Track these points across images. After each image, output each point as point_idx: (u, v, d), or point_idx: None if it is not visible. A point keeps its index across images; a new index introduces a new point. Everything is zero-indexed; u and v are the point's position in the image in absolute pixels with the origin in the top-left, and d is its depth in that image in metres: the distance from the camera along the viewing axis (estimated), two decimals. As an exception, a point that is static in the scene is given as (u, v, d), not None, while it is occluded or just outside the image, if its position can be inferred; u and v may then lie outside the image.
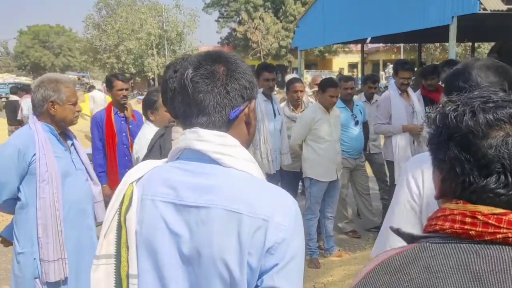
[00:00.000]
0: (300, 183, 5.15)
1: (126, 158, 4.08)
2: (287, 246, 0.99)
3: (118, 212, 1.13)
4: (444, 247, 0.79)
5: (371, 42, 18.44)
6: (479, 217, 0.78)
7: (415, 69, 10.44)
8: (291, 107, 4.95)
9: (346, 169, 4.99)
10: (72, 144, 2.63)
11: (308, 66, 31.00)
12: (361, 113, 5.09)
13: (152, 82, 35.94)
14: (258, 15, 33.87)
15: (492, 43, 16.47)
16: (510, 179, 0.77)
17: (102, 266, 1.15)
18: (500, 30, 13.23)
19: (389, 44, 28.76)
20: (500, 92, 0.86)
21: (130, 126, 4.18)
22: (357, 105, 5.10)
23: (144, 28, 35.21)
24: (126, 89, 4.21)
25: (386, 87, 5.94)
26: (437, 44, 30.98)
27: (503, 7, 9.22)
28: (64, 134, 2.59)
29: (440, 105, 0.88)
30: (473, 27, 12.88)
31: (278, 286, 0.98)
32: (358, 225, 5.55)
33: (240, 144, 1.10)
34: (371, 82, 5.80)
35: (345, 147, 4.87)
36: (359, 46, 21.82)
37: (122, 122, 4.14)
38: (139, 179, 1.14)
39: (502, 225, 0.76)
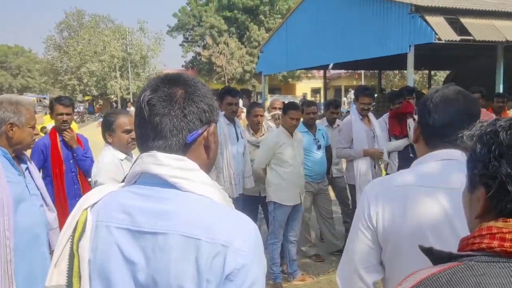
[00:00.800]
0: (260, 207, 5.13)
1: (75, 186, 3.89)
2: (247, 272, 0.96)
3: (70, 240, 1.08)
4: (493, 266, 0.78)
5: (333, 68, 18.96)
6: None
7: (375, 95, 10.76)
8: (251, 131, 4.98)
9: (309, 193, 5.01)
10: (27, 168, 2.52)
11: (272, 91, 31.41)
12: (323, 137, 5.16)
13: (114, 105, 35.37)
14: (222, 39, 34.22)
15: (447, 72, 17.25)
16: None
17: None
18: (454, 59, 13.90)
19: (351, 70, 29.64)
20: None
21: (75, 153, 3.97)
22: (319, 129, 5.17)
23: (107, 50, 34.83)
24: (68, 114, 3.97)
25: (348, 112, 6.10)
26: (396, 71, 32.18)
27: (457, 37, 9.71)
28: (18, 158, 2.48)
29: (488, 123, 0.88)
30: (430, 56, 13.48)
31: None
32: (321, 249, 5.55)
33: (199, 167, 1.07)
34: (333, 107, 5.91)
35: (308, 171, 4.90)
36: (321, 72, 22.36)
37: (68, 148, 3.95)
38: (94, 204, 1.09)
39: None
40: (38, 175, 2.60)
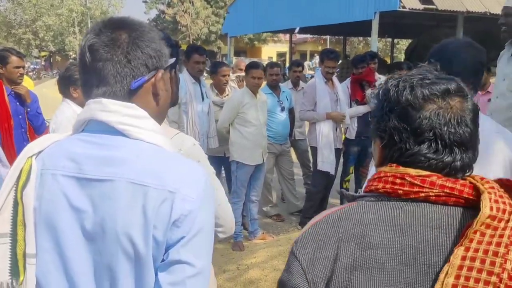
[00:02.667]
0: (222, 168, 5.15)
1: (25, 143, 3.65)
2: (194, 219, 0.96)
3: (14, 188, 1.04)
4: (376, 204, 0.93)
5: (299, 32, 18.86)
6: (407, 178, 0.90)
7: (340, 61, 10.85)
8: (216, 92, 4.92)
9: (272, 154, 5.09)
10: None
11: (237, 53, 31.01)
12: (287, 99, 5.20)
13: (68, 63, 34.01)
14: (188, -2, 33.22)
15: (410, 40, 17.54)
16: (439, 146, 0.90)
17: None
18: (416, 28, 14.12)
19: (316, 35, 29.61)
20: (435, 71, 0.98)
21: (29, 109, 3.82)
22: (283, 91, 5.21)
23: (65, 3, 33.12)
24: (23, 67, 3.85)
25: (312, 77, 6.16)
26: (361, 38, 32.41)
27: (420, 6, 9.83)
28: None
29: (383, 82, 0.99)
30: (393, 24, 13.62)
31: (184, 259, 0.95)
32: (282, 209, 5.70)
33: (149, 115, 1.05)
34: (295, 66, 5.94)
35: (271, 133, 4.96)
36: (288, 36, 22.22)
37: (17, 103, 3.77)
38: (39, 153, 1.06)
39: (425, 185, 0.88)
40: None
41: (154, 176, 0.96)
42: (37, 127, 3.91)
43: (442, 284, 0.82)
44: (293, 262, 0.95)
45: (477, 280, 0.80)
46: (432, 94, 0.91)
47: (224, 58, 27.97)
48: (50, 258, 1.01)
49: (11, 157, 3.52)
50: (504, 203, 0.85)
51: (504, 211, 0.84)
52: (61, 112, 2.93)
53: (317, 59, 25.59)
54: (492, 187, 0.87)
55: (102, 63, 1.01)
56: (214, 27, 33.51)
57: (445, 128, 0.90)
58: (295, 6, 13.25)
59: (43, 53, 36.28)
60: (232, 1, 17.72)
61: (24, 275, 1.03)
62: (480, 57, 1.68)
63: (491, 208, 0.83)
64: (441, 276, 0.82)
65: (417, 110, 0.91)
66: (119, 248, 0.96)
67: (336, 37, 29.02)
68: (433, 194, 0.88)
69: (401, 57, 29.41)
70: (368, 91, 5.18)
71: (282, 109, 5.08)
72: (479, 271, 0.80)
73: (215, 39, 34.48)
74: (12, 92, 3.74)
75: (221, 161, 4.85)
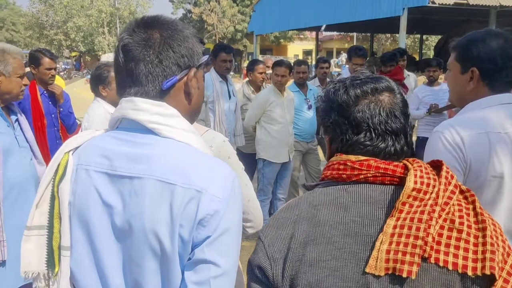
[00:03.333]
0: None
1: (58, 141, 3.82)
2: (220, 218, 0.96)
3: (52, 182, 1.08)
4: (325, 189, 1.07)
5: (325, 30, 18.71)
6: (348, 163, 1.04)
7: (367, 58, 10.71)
8: (252, 89, 4.91)
9: (299, 152, 5.08)
10: (17, 120, 2.46)
11: (263, 52, 31.03)
12: (314, 97, 5.17)
13: (99, 63, 34.66)
14: (214, -3, 33.40)
15: (439, 36, 17.16)
16: (373, 134, 1.04)
17: (33, 237, 1.10)
18: (446, 24, 13.82)
19: (343, 32, 29.31)
20: (367, 73, 1.14)
21: (61, 108, 3.89)
22: (310, 89, 5.18)
23: (95, 4, 33.83)
24: (55, 69, 3.90)
25: (338, 74, 6.11)
26: (388, 35, 31.90)
27: (451, 1, 9.61)
28: (7, 109, 2.43)
29: (329, 82, 1.17)
30: (422, 20, 13.37)
31: (209, 258, 0.95)
32: (309, 207, 5.66)
33: (181, 114, 1.05)
34: (321, 62, 5.85)
35: (298, 131, 4.94)
36: (314, 33, 22.08)
37: (50, 103, 3.83)
38: (76, 148, 1.10)
39: (363, 168, 1.02)
40: (28, 127, 2.54)
41: (181, 175, 0.97)
42: (69, 126, 4.01)
43: (378, 250, 0.93)
44: (258, 243, 1.07)
45: (406, 244, 0.91)
46: (362, 92, 1.06)
47: (250, 57, 28.01)
48: (83, 251, 1.05)
49: (44, 155, 3.60)
50: (429, 178, 0.98)
51: (428, 184, 0.96)
52: (93, 110, 2.99)
53: (343, 56, 25.33)
54: (420, 166, 1.00)
55: (134, 63, 1.02)
56: (240, 25, 33.59)
57: (376, 119, 1.04)
58: (321, 3, 13.15)
59: (73, 53, 37.13)
60: (258, -1, 17.69)
61: (59, 267, 1.07)
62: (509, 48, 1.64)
63: (415, 182, 0.96)
64: (377, 244, 0.94)
65: (351, 106, 1.06)
66: (146, 245, 0.97)
67: (363, 34, 28.67)
68: (370, 175, 1.01)
69: (430, 53, 28.83)
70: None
71: (309, 107, 5.05)
72: (407, 236, 0.92)
73: (241, 38, 34.56)
74: (45, 92, 3.81)
75: (254, 159, 4.83)
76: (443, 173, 1.00)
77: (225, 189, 0.98)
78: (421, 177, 0.97)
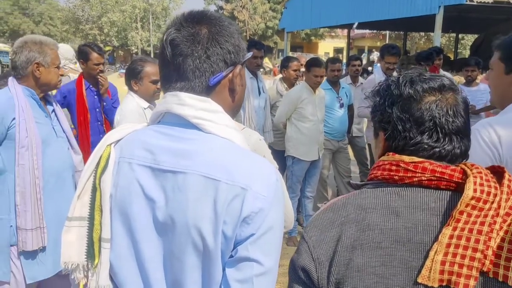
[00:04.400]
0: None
1: (101, 135, 3.79)
2: (264, 217, 0.95)
3: (93, 174, 1.08)
4: (375, 190, 1.02)
5: (357, 27, 18.43)
6: (401, 165, 0.98)
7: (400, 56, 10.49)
8: (285, 86, 4.87)
9: (329, 151, 5.02)
10: (53, 110, 2.52)
11: (294, 49, 30.88)
12: (346, 95, 5.10)
13: (135, 57, 35.28)
14: (246, -6, 33.45)
15: (476, 36, 16.68)
16: (440, 134, 0.98)
17: (74, 228, 1.11)
18: (484, 22, 13.40)
19: (375, 30, 28.86)
20: (428, 72, 1.08)
21: (105, 103, 3.92)
22: (343, 87, 5.11)
23: (129, 0, 34.39)
24: (103, 64, 3.94)
25: (371, 72, 6.02)
26: (422, 34, 31.22)
27: (490, -1, 9.30)
28: (45, 99, 2.49)
29: (384, 80, 1.10)
30: (459, 18, 13.00)
31: (252, 257, 0.94)
32: (337, 207, 5.59)
33: (224, 110, 1.05)
34: (353, 60, 5.76)
35: (329, 129, 4.89)
36: (345, 31, 21.82)
37: (95, 97, 3.85)
38: (118, 141, 1.10)
39: (417, 171, 0.96)
40: (64, 117, 2.60)
41: (226, 171, 0.96)
42: (112, 120, 4.07)
43: (432, 260, 0.89)
44: (302, 244, 1.04)
45: (463, 257, 0.87)
46: (430, 88, 1.00)
47: (280, 54, 27.94)
48: (124, 244, 1.05)
49: (86, 149, 3.64)
50: (489, 186, 0.91)
51: (488, 193, 0.90)
52: (125, 104, 3.01)
53: (375, 54, 24.94)
54: (480, 172, 0.93)
55: (182, 58, 1.01)
56: (271, 22, 33.55)
57: (444, 118, 0.98)
58: (354, 0, 12.96)
59: (107, 48, 37.91)
60: (290, -4, 17.59)
61: (99, 259, 1.07)
62: None
63: (475, 190, 0.90)
64: (431, 253, 0.89)
65: (417, 102, 1.00)
66: (188, 240, 0.97)
67: (396, 32, 28.14)
68: (425, 178, 0.96)
69: (466, 53, 28.07)
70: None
71: (341, 106, 4.98)
72: (465, 248, 0.87)
73: (271, 35, 34.51)
74: (91, 87, 3.85)
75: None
76: (505, 181, 0.94)
77: (269, 187, 0.97)
78: (481, 184, 0.91)
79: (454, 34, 21.32)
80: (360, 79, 5.80)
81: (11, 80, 2.37)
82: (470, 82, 5.27)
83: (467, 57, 15.17)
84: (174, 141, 1.02)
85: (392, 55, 4.80)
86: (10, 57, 2.41)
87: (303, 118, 4.39)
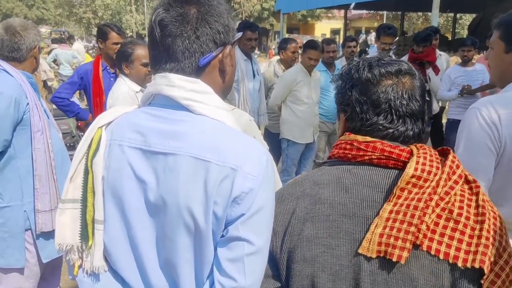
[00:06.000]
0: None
1: None
2: (254, 197, 0.96)
3: (85, 156, 1.09)
4: (330, 168, 1.09)
5: (354, 8, 18.23)
6: (354, 144, 1.05)
7: (397, 38, 10.39)
8: (283, 68, 4.82)
9: (324, 133, 5.01)
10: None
11: (290, 31, 30.63)
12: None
13: (128, 39, 34.93)
14: (241, -26, 33.00)
15: (474, 15, 16.53)
16: (394, 116, 1.04)
17: (68, 211, 1.11)
18: (482, 2, 13.27)
19: (373, 11, 28.60)
20: (388, 56, 1.15)
21: None
22: (338, 68, 5.07)
23: (123, -18, 33.94)
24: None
25: (365, 53, 5.94)
26: (420, 14, 30.98)
27: (488, -23, 9.18)
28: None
29: (345, 65, 1.16)
30: (457, -3, 12.87)
31: (243, 236, 0.96)
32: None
33: (214, 91, 1.05)
34: (349, 41, 5.69)
35: (324, 111, 4.87)
36: (342, 12, 21.61)
37: (111, 79, 3.72)
38: (108, 123, 1.10)
39: (368, 150, 1.03)
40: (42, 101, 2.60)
41: (216, 152, 0.96)
42: None
43: (372, 233, 0.95)
44: None
45: (399, 230, 0.92)
46: (387, 72, 1.06)
47: (276, 36, 27.71)
48: (117, 225, 1.06)
49: None
50: (431, 166, 0.97)
51: (429, 172, 0.96)
52: (117, 88, 3.00)
53: (372, 35, 24.75)
54: (425, 153, 0.99)
55: (171, 38, 1.00)
56: (267, 3, 33.17)
57: (398, 101, 1.04)
58: (351, -20, 12.79)
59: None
60: (286, -24, 17.37)
61: (93, 240, 1.08)
62: None
63: (416, 169, 0.96)
64: (372, 227, 0.95)
65: (374, 85, 1.05)
66: (180, 221, 0.98)
67: (393, 12, 27.89)
68: (375, 157, 1.02)
69: (464, 33, 27.90)
70: (429, 71, 4.94)
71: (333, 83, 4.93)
72: (401, 222, 0.93)
73: (267, 16, 34.15)
74: (108, 68, 3.77)
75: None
76: (448, 162, 1.00)
77: (259, 167, 0.98)
78: (423, 164, 0.97)
79: (452, 14, 21.17)
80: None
81: (7, 65, 2.29)
82: (466, 62, 5.23)
83: (465, 37, 15.07)
84: (165, 123, 1.02)
85: (388, 36, 4.76)
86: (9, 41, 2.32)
87: (298, 101, 4.36)
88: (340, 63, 5.50)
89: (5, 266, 2.34)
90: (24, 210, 2.31)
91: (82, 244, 1.10)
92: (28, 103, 2.25)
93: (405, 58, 5.21)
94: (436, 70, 5.16)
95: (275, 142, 4.63)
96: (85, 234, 1.09)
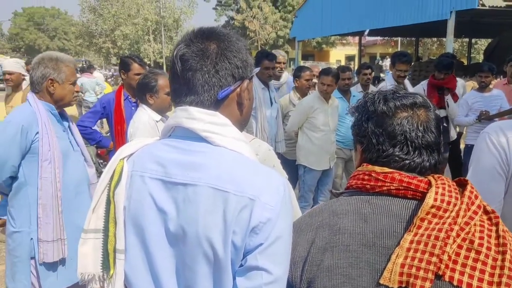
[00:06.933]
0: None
1: None
2: (272, 226, 0.97)
3: (107, 187, 1.12)
4: (349, 198, 1.10)
5: (369, 34, 18.41)
6: (373, 174, 1.07)
7: (412, 63, 10.41)
8: (298, 96, 4.86)
9: (341, 160, 5.01)
10: (68, 125, 2.59)
11: (305, 57, 30.94)
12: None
13: (148, 69, 35.60)
14: (256, 4, 33.63)
15: (489, 40, 16.52)
16: (410, 148, 1.07)
17: (90, 240, 1.14)
18: (497, 27, 13.28)
19: (387, 37, 28.78)
20: (402, 90, 1.17)
21: None
22: (354, 95, 5.10)
23: (141, 13, 34.85)
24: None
25: (382, 79, 6.00)
26: (434, 39, 31.04)
27: (502, 3, 9.23)
28: (61, 115, 2.55)
29: (361, 98, 1.20)
30: (471, 23, 12.91)
31: (261, 265, 0.96)
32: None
33: (232, 123, 1.07)
34: (364, 68, 5.71)
35: (341, 138, 4.88)
36: (356, 38, 21.80)
37: (133, 108, 3.82)
38: (130, 155, 1.13)
39: (387, 180, 1.05)
40: (78, 132, 2.68)
41: (234, 183, 0.98)
42: None
43: (394, 263, 0.95)
44: None
45: (420, 260, 0.92)
46: (402, 105, 1.09)
47: (292, 63, 28.00)
48: (137, 254, 1.08)
49: None
50: (450, 196, 0.98)
51: (449, 203, 0.97)
52: (138, 117, 3.05)
53: (387, 61, 24.82)
54: (443, 183, 1.00)
55: (192, 72, 1.04)
56: (282, 31, 33.66)
57: (414, 133, 1.07)
58: (364, 7, 12.97)
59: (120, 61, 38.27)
60: (300, 5, 17.69)
61: (114, 269, 1.10)
62: None
63: (435, 199, 0.97)
64: (393, 257, 0.96)
65: (390, 118, 1.08)
66: (199, 250, 0.99)
67: (407, 38, 28.02)
68: (393, 187, 1.03)
69: (479, 57, 27.80)
70: (447, 97, 4.95)
71: (352, 115, 4.96)
72: (423, 252, 0.93)
73: (283, 44, 34.59)
74: (129, 97, 3.87)
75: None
76: (467, 193, 1.00)
77: (277, 197, 0.99)
78: (442, 194, 0.98)
79: (467, 39, 21.17)
80: (371, 87, 5.79)
81: (31, 95, 2.43)
82: (483, 87, 5.22)
83: (480, 61, 15.02)
84: (184, 154, 1.04)
85: (403, 63, 4.79)
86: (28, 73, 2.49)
87: (314, 128, 4.39)
88: (356, 90, 5.55)
89: None
90: (30, 238, 2.36)
91: (103, 274, 1.12)
92: (37, 132, 2.31)
93: (424, 83, 5.23)
94: (455, 98, 5.16)
95: (292, 168, 4.63)
96: (107, 263, 1.11)
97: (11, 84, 4.50)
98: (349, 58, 38.21)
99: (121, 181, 1.09)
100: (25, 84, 4.56)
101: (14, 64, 4.59)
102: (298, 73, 4.89)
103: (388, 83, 4.87)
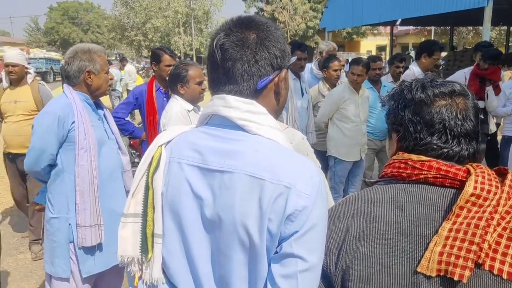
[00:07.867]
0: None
1: None
2: (307, 214, 0.97)
3: (146, 173, 1.15)
4: (384, 186, 1.10)
5: (401, 24, 18.00)
6: (409, 163, 1.06)
7: (446, 53, 10.13)
8: (327, 86, 4.82)
9: (372, 150, 4.95)
10: (104, 114, 2.67)
11: (335, 48, 30.46)
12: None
13: (178, 61, 35.96)
14: (286, -6, 33.39)
15: (529, 28, 15.89)
16: (449, 136, 1.05)
17: (129, 224, 1.17)
18: (537, 14, 12.75)
19: (420, 27, 28.07)
20: (440, 78, 1.16)
21: None
22: (384, 85, 5.02)
23: (172, 6, 35.20)
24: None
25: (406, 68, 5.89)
26: (470, 28, 30.08)
27: (543, -11, 8.85)
28: (96, 104, 2.63)
29: (396, 87, 1.19)
30: (510, 10, 12.44)
31: (296, 253, 0.97)
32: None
33: (268, 112, 1.08)
34: (398, 61, 5.60)
35: (371, 128, 4.82)
36: (388, 28, 21.37)
37: (164, 99, 3.91)
38: (168, 142, 1.16)
39: (424, 169, 1.04)
40: (113, 120, 2.76)
41: (270, 171, 0.99)
42: None
43: (432, 251, 0.94)
44: None
45: (460, 248, 0.92)
46: (440, 93, 1.08)
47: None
48: (174, 239, 1.11)
49: None
50: (490, 185, 0.96)
51: (489, 191, 0.95)
52: (171, 107, 3.12)
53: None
54: (483, 172, 0.99)
55: (231, 62, 1.05)
56: (312, 22, 33.32)
57: (453, 121, 1.05)
58: (397, -4, 12.67)
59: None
60: (331, -5, 17.42)
61: (152, 253, 1.14)
62: None
63: (475, 188, 0.95)
64: (431, 245, 0.95)
65: (428, 106, 1.07)
66: (235, 237, 1.01)
67: (441, 27, 27.27)
68: (431, 176, 1.02)
69: (518, 46, 26.78)
70: (488, 88, 4.82)
71: (383, 104, 4.88)
72: (462, 240, 0.92)
73: (313, 34, 34.27)
74: (161, 88, 3.95)
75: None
76: (507, 181, 0.99)
77: (312, 185, 0.99)
78: (482, 183, 0.97)
79: (505, 27, 20.43)
80: (402, 76, 5.67)
81: (66, 87, 2.52)
82: (522, 77, 5.05)
83: (519, 51, 14.47)
84: (221, 142, 1.06)
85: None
86: (62, 66, 2.55)
87: (345, 119, 4.36)
88: (386, 80, 5.45)
89: (54, 275, 2.49)
90: (69, 223, 2.44)
91: (142, 257, 1.15)
92: (73, 122, 2.40)
93: (467, 70, 5.09)
94: (497, 91, 5.01)
95: (322, 159, 4.60)
96: (145, 247, 1.14)
97: (14, 76, 4.26)
98: (380, 49, 37.50)
99: (159, 168, 1.12)
100: (30, 78, 4.35)
101: (18, 55, 4.32)
102: (326, 63, 4.83)
103: (414, 68, 4.78)
